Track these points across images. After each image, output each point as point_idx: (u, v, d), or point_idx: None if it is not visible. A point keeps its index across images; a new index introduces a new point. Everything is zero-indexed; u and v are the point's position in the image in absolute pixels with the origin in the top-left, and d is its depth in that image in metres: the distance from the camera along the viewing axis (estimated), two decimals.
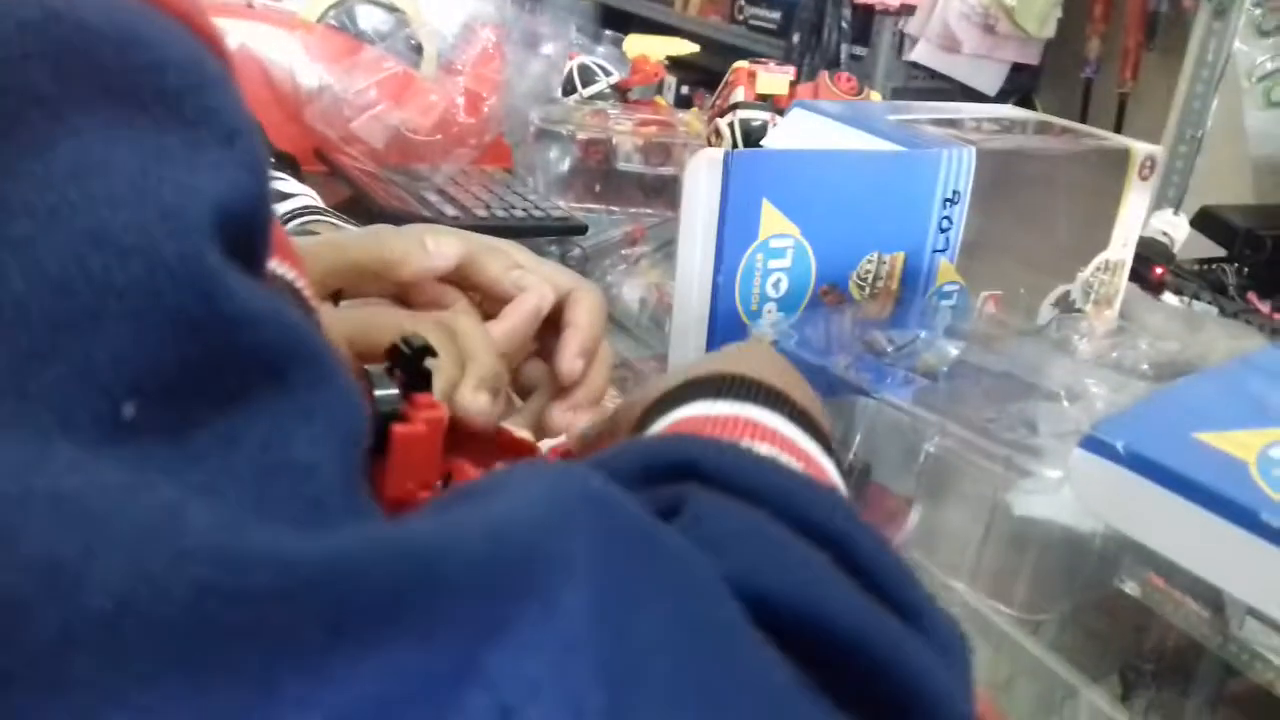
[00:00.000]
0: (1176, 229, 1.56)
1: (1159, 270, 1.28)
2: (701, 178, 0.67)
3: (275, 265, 0.27)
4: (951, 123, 0.84)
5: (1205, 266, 1.62)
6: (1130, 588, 0.60)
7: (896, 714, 0.25)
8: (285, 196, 0.69)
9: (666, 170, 1.10)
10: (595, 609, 0.21)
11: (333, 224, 0.70)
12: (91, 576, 0.17)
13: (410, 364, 0.37)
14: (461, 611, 0.20)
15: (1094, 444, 0.46)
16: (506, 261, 0.55)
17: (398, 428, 0.34)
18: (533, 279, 0.56)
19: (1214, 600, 0.58)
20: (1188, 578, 0.58)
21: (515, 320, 0.55)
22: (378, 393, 0.35)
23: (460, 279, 0.56)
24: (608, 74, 1.20)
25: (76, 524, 0.18)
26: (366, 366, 0.37)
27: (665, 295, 0.90)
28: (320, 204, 0.70)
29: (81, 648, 0.17)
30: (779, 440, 0.35)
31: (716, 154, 0.66)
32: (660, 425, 0.37)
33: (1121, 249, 0.84)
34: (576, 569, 0.21)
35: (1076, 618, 0.62)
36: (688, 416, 0.36)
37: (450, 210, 0.96)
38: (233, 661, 0.17)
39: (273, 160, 0.73)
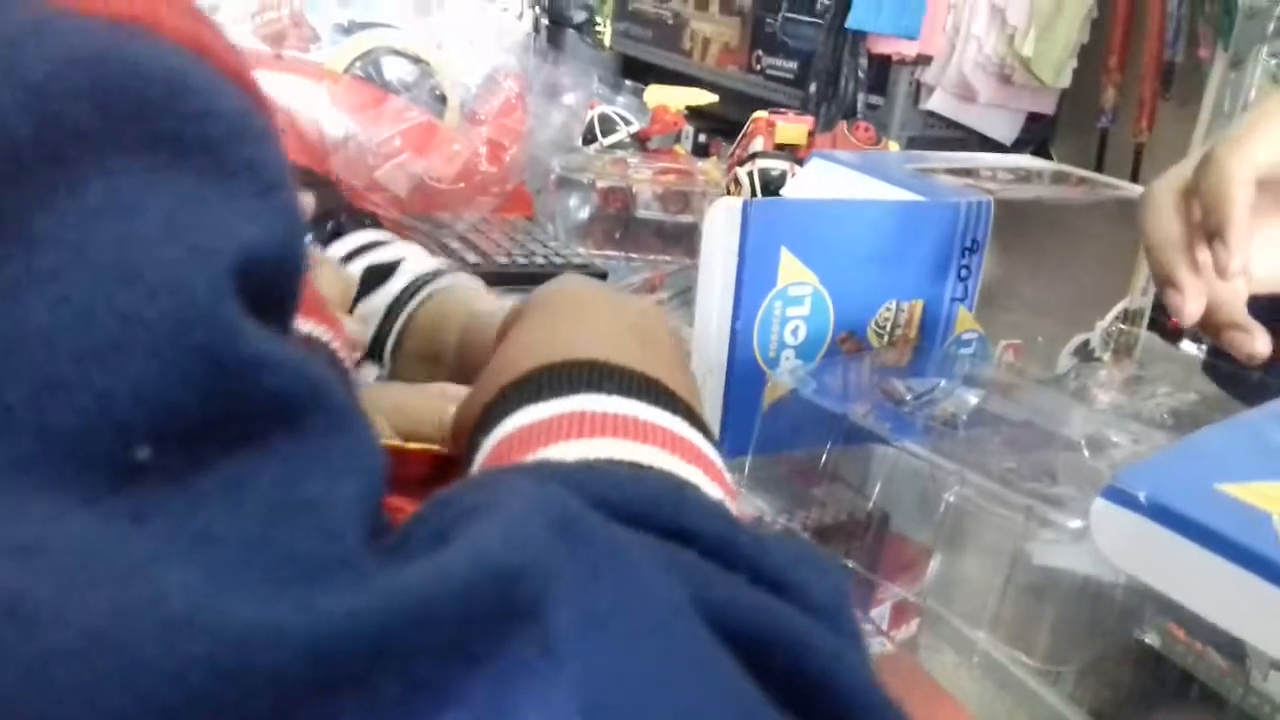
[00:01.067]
0: None
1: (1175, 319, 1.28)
2: (720, 225, 0.67)
3: (311, 326, 0.27)
4: (969, 172, 0.85)
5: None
6: (1150, 638, 0.59)
7: None
8: (387, 270, 0.71)
9: (685, 218, 1.11)
10: (577, 633, 0.21)
11: (467, 289, 0.72)
12: (48, 627, 0.17)
13: None
14: (449, 649, 0.19)
15: (1116, 494, 0.46)
16: None
17: None
18: None
19: (1234, 651, 0.57)
20: (1208, 629, 0.58)
21: None
22: None
23: None
24: (628, 123, 1.22)
25: (41, 576, 0.17)
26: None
27: (683, 343, 0.90)
28: (429, 267, 0.72)
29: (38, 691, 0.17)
30: (615, 425, 0.33)
31: (735, 203, 0.67)
32: (490, 440, 0.34)
33: (1141, 298, 0.84)
34: (561, 593, 0.21)
35: (1096, 668, 0.62)
36: (518, 429, 0.33)
37: (472, 257, 0.97)
38: None
39: (359, 218, 0.75)
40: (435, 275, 0.71)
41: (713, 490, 0.33)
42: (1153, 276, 0.68)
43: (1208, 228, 0.63)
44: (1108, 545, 0.47)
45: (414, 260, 0.72)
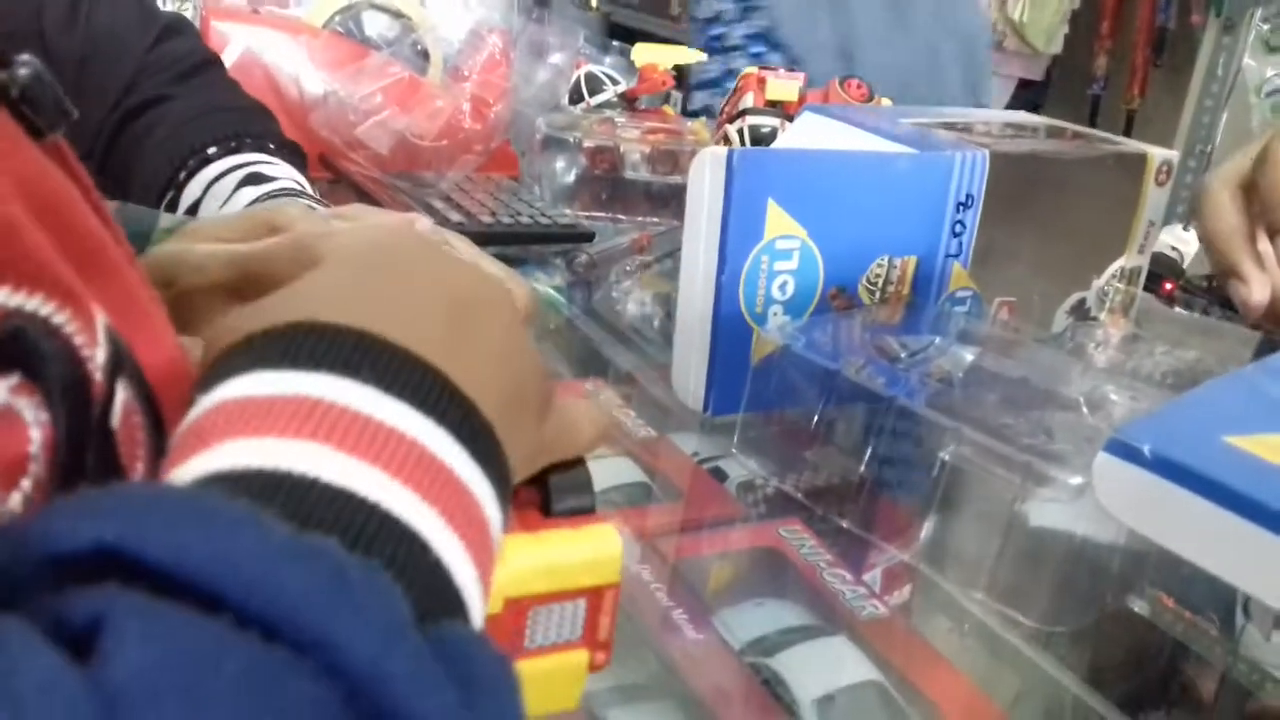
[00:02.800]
0: (1186, 244, 1.55)
1: (1169, 285, 1.27)
2: (705, 176, 0.66)
3: (23, 300, 0.23)
4: (963, 127, 0.83)
5: (1215, 283, 1.61)
6: (1140, 607, 0.58)
7: None
8: (266, 179, 0.67)
9: (674, 179, 1.09)
10: None
11: (309, 206, 0.67)
12: None
13: None
14: None
15: (1118, 447, 0.45)
16: (439, 241, 0.53)
17: None
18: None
19: (1224, 620, 0.56)
20: (1198, 598, 0.56)
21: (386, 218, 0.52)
22: None
23: None
24: (615, 83, 1.19)
25: None
26: None
27: (671, 307, 0.88)
28: (305, 188, 0.69)
29: None
30: (344, 427, 0.25)
31: (720, 152, 0.65)
32: (206, 402, 0.26)
33: (1138, 256, 0.83)
34: None
35: (1087, 634, 0.61)
36: (228, 400, 0.26)
37: (455, 216, 0.95)
38: None
39: (271, 145, 0.72)
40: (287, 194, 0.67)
41: (449, 545, 0.25)
42: (1215, 269, 0.70)
43: (1270, 222, 0.65)
44: (1110, 500, 0.45)
45: (284, 181, 0.68)
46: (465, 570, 0.26)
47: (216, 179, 0.67)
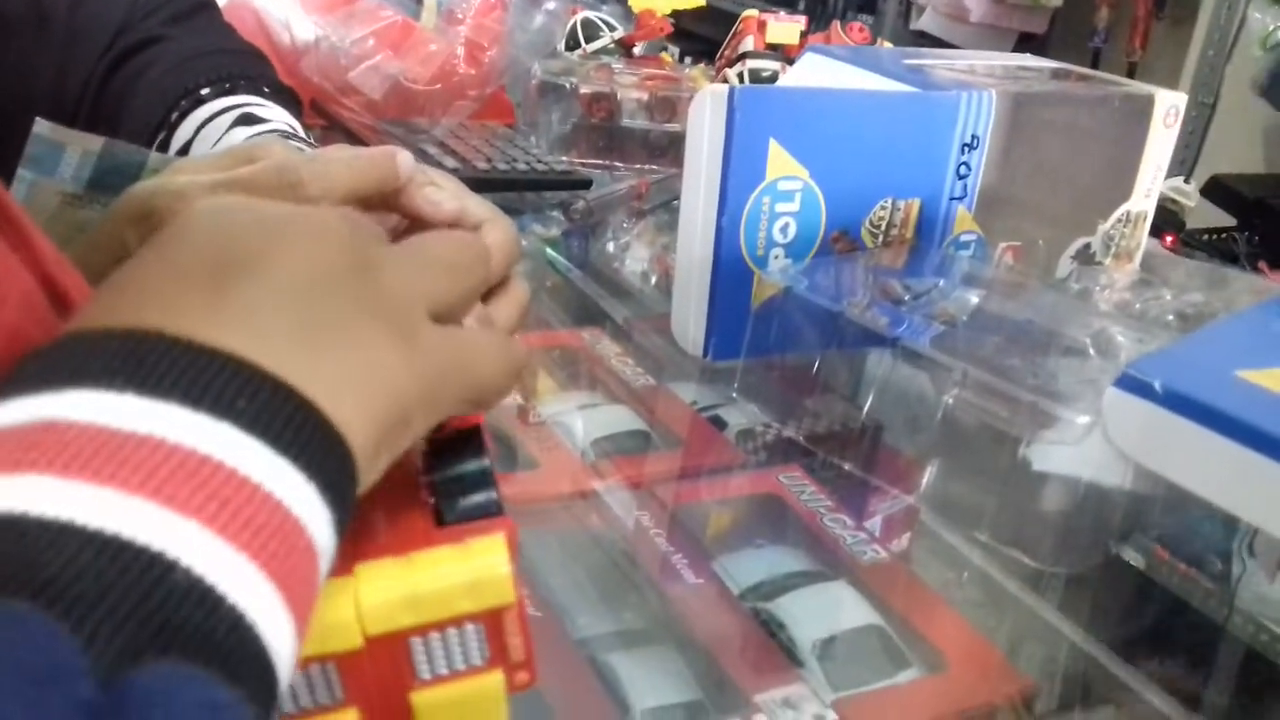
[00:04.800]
0: (1187, 197, 1.54)
1: (1169, 238, 1.26)
2: (706, 115, 0.64)
3: None
4: (967, 70, 0.82)
5: (1215, 236, 1.59)
6: (1135, 559, 0.58)
7: None
8: (259, 121, 0.66)
9: (672, 126, 1.07)
10: None
11: (300, 148, 0.66)
12: None
13: None
14: None
15: (1130, 383, 0.44)
16: (422, 178, 0.51)
17: None
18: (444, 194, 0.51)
19: (1217, 573, 0.55)
20: (1196, 548, 0.56)
21: (365, 150, 0.47)
22: None
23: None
24: (612, 29, 1.17)
25: None
26: None
27: (670, 267, 0.87)
28: (298, 132, 0.67)
29: None
30: (78, 451, 0.22)
31: (721, 89, 0.64)
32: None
33: (1144, 200, 0.81)
34: None
35: (1086, 582, 0.60)
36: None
37: (450, 163, 0.93)
38: None
39: (265, 89, 0.70)
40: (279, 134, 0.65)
41: (212, 557, 0.22)
42: None
43: None
44: (1120, 436, 0.44)
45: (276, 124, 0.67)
46: (244, 584, 0.22)
47: (209, 120, 0.66)
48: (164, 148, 0.66)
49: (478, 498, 0.31)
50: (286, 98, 0.72)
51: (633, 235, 0.94)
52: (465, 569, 0.30)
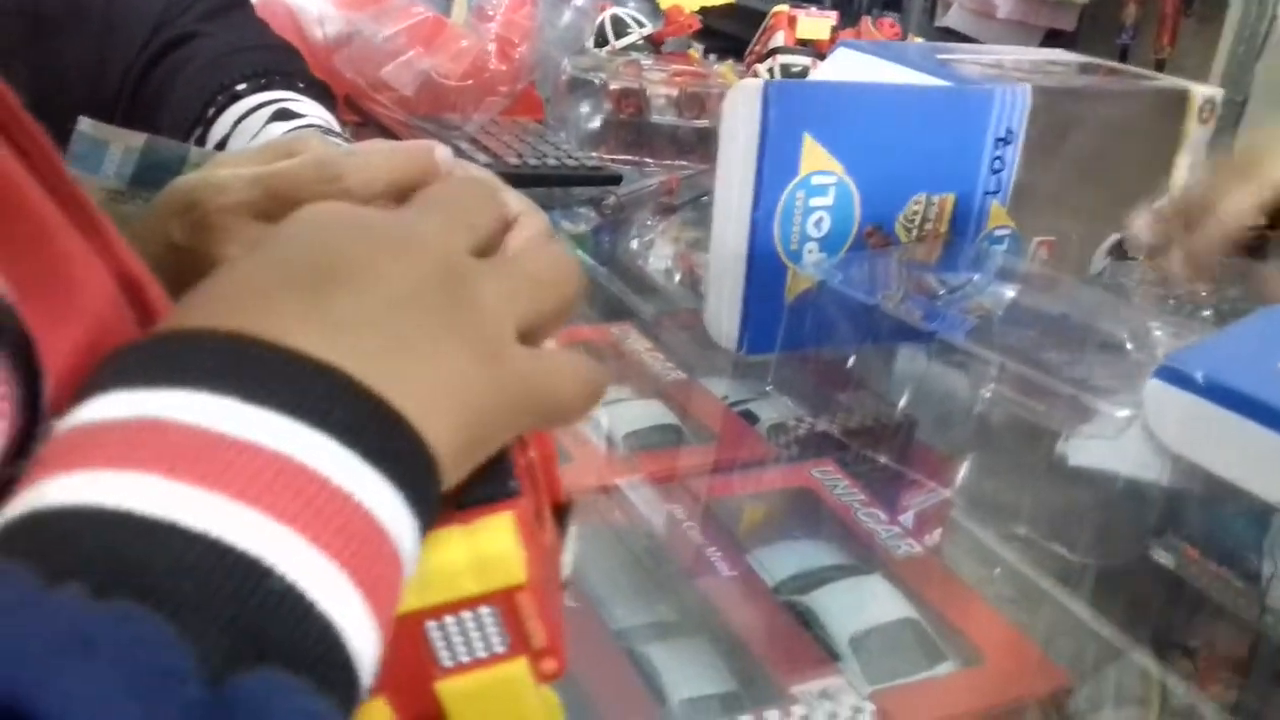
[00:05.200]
0: None
1: None
2: (740, 109, 0.64)
3: None
4: (997, 65, 0.82)
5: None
6: (1165, 559, 0.57)
7: None
8: (295, 116, 0.66)
9: (701, 123, 1.08)
10: None
11: (336, 143, 0.66)
12: None
13: None
14: None
15: (1170, 374, 0.44)
16: (461, 172, 0.51)
17: None
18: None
19: (1249, 572, 0.55)
20: (1228, 546, 0.55)
21: (403, 144, 0.49)
22: None
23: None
24: (641, 25, 1.18)
25: None
26: None
27: (694, 264, 0.87)
28: (333, 127, 0.68)
29: None
30: (189, 449, 0.22)
31: (756, 83, 0.64)
32: (57, 430, 0.24)
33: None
34: None
35: (1120, 579, 0.60)
36: (76, 427, 0.23)
37: (482, 158, 0.94)
38: None
39: (300, 84, 0.71)
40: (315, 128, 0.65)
41: (308, 567, 0.22)
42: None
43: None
44: (1160, 427, 0.44)
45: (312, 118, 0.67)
46: (333, 591, 0.23)
47: (245, 115, 0.66)
48: (201, 142, 0.67)
49: (493, 483, 0.31)
50: (321, 93, 0.72)
51: (657, 232, 0.94)
52: (468, 547, 0.30)
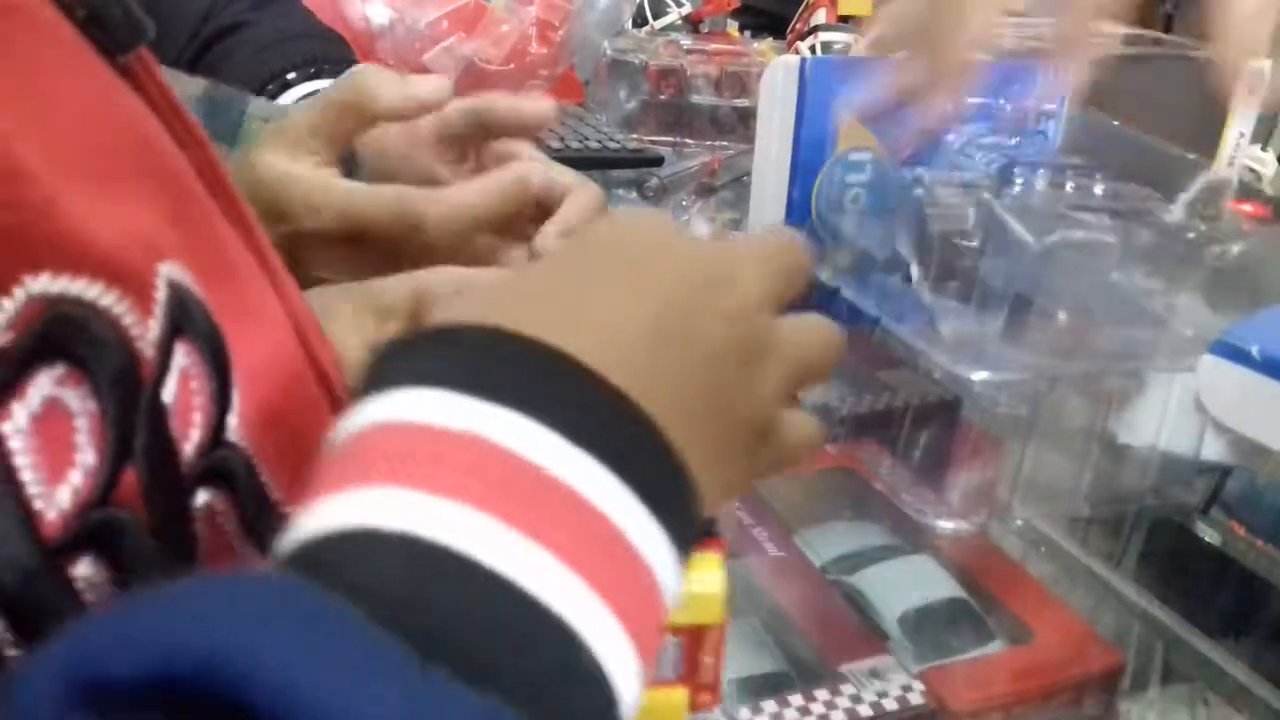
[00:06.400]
0: (1263, 165, 1.50)
1: (1247, 207, 1.23)
2: (777, 86, 0.65)
3: (68, 285, 0.21)
4: (1039, 36, 0.81)
5: None
6: (1210, 536, 0.57)
7: None
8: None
9: (741, 102, 1.07)
10: None
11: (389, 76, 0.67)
12: None
13: None
14: None
15: (1225, 349, 0.43)
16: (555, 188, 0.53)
17: None
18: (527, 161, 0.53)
19: None
20: (1269, 525, 0.55)
21: (493, 181, 0.52)
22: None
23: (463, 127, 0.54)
24: (679, 5, 1.17)
25: None
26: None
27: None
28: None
29: None
30: (506, 482, 0.21)
31: (793, 60, 0.64)
32: (361, 417, 0.23)
33: (1228, 169, 0.80)
34: None
35: (1164, 557, 0.60)
36: (393, 423, 0.22)
37: None
38: None
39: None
40: None
41: (610, 641, 0.22)
42: None
43: None
44: (1214, 403, 0.44)
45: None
46: (623, 666, 0.22)
47: (298, 102, 0.67)
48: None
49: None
50: None
51: (693, 211, 0.94)
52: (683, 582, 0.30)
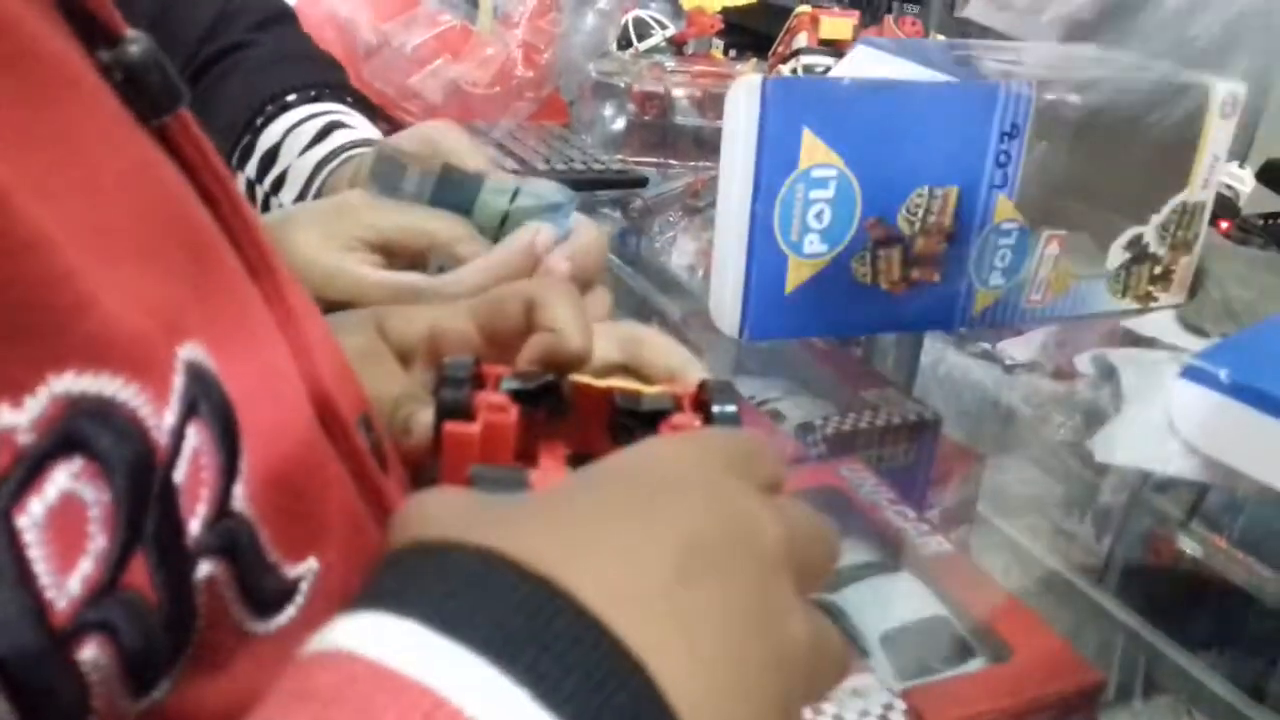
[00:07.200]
0: (1242, 182, 1.52)
1: (1224, 224, 1.25)
2: (740, 105, 0.66)
3: (90, 383, 0.21)
4: (1014, 59, 0.82)
5: (1271, 221, 1.57)
6: (1191, 548, 0.58)
7: None
8: (345, 128, 0.68)
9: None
10: None
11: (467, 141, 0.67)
12: None
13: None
14: None
15: (1196, 373, 0.45)
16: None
17: (449, 426, 0.32)
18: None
19: (1278, 560, 0.56)
20: (1250, 539, 0.56)
21: (504, 253, 0.54)
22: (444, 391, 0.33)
23: None
24: (663, 27, 1.18)
25: None
26: (444, 360, 0.35)
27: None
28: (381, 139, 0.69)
29: None
30: None
31: (754, 80, 0.66)
32: (324, 642, 0.22)
33: (1201, 191, 0.81)
34: None
35: (1145, 572, 0.61)
36: (348, 655, 0.21)
37: (510, 164, 0.95)
38: None
39: (348, 98, 0.72)
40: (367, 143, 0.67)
41: None
42: None
43: None
44: (1186, 426, 0.45)
45: (362, 130, 0.69)
46: None
47: (297, 124, 0.68)
48: (250, 150, 0.68)
49: None
50: (364, 106, 0.73)
51: (679, 229, 0.95)
52: None
